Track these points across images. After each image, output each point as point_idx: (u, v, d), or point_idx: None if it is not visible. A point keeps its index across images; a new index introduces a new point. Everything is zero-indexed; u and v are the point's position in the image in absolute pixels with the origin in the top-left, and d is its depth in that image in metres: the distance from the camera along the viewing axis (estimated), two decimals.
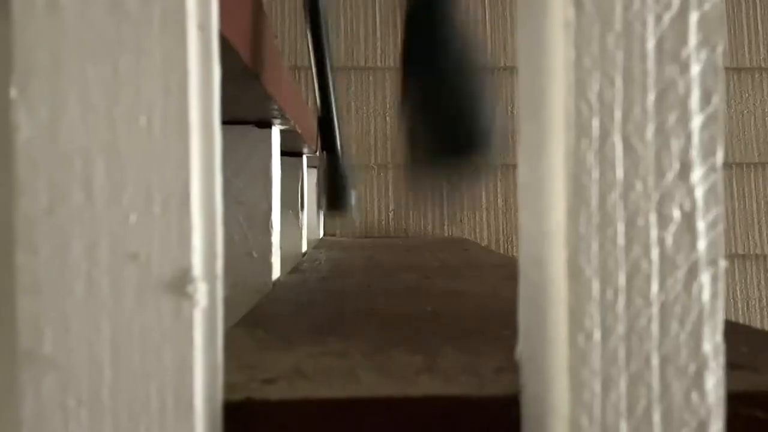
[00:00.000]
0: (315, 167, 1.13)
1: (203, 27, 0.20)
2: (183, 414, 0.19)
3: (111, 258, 0.19)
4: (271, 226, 0.62)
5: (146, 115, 0.19)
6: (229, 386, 0.21)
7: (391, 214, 1.23)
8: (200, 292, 0.19)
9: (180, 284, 0.19)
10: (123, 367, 0.19)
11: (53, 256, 0.19)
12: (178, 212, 0.19)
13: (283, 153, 0.67)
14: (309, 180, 0.92)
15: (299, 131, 0.68)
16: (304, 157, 0.87)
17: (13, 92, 0.19)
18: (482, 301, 0.45)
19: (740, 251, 1.49)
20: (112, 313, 0.19)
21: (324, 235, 1.19)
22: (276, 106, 0.52)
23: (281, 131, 0.65)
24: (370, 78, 1.28)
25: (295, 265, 0.73)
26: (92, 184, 0.19)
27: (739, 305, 1.51)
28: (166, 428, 0.19)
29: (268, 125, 0.61)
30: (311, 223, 1.00)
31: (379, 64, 1.28)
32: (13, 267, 0.19)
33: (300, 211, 0.83)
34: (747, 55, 1.61)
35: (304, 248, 0.86)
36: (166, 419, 0.19)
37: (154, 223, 0.19)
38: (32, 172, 0.19)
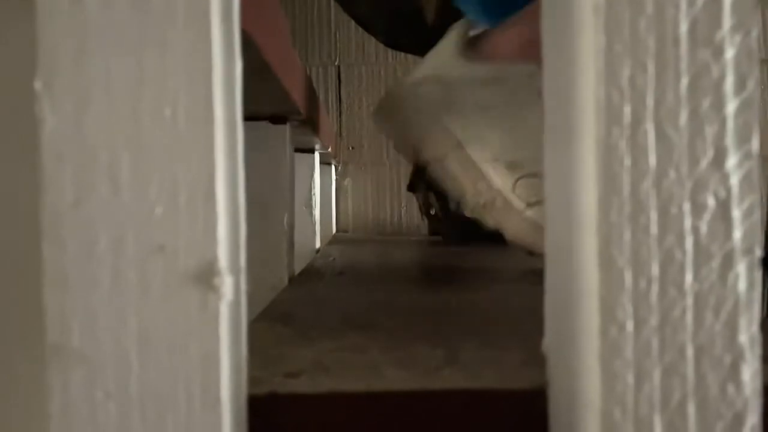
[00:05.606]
0: (327, 164, 1.13)
1: (226, 20, 0.20)
2: (210, 407, 0.19)
3: (137, 251, 0.19)
4: (285, 222, 0.62)
5: (171, 107, 0.19)
6: (252, 380, 0.21)
7: (403, 211, 1.23)
8: (226, 284, 0.19)
9: (206, 277, 0.19)
10: (150, 359, 0.19)
11: (80, 249, 0.19)
12: (204, 204, 0.19)
13: (296, 149, 0.67)
14: (321, 176, 0.92)
15: (313, 127, 0.68)
16: (317, 154, 0.87)
17: (38, 85, 0.19)
18: (502, 295, 0.45)
19: None
20: (138, 306, 0.19)
21: (336, 231, 1.19)
22: (291, 102, 0.52)
23: (295, 127, 0.64)
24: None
25: (309, 261, 0.73)
26: (118, 177, 0.19)
27: None
28: (193, 421, 0.19)
29: (283, 121, 0.61)
30: (324, 219, 1.00)
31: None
32: (40, 260, 0.19)
33: (313, 207, 0.83)
34: (763, 47, 1.59)
35: (318, 244, 0.86)
36: (194, 412, 0.19)
37: (179, 216, 0.19)
38: (58, 165, 0.19)
